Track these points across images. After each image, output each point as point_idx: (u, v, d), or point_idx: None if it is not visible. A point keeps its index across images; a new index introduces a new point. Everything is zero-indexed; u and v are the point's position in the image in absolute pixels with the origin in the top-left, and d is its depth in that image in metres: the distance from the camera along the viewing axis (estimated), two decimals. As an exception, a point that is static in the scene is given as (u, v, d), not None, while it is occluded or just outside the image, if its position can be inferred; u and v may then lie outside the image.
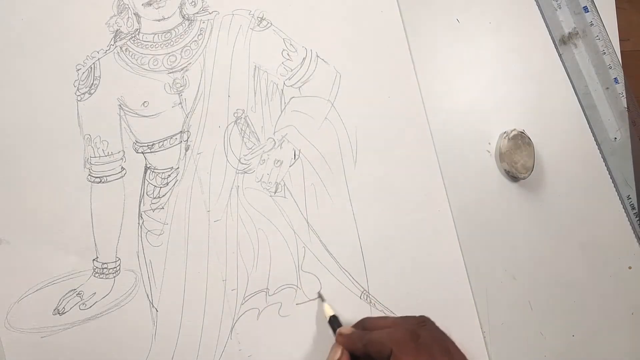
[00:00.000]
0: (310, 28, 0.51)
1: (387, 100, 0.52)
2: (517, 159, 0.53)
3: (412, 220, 0.51)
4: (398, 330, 0.41)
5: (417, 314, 0.42)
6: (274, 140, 0.50)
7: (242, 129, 0.49)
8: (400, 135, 0.52)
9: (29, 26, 0.47)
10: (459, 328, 0.51)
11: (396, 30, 0.53)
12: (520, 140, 0.53)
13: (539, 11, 0.57)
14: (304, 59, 0.51)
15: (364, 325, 0.45)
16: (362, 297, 0.50)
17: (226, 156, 0.49)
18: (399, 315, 0.49)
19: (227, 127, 0.49)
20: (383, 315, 0.50)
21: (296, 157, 0.50)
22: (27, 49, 0.47)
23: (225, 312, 0.48)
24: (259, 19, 0.50)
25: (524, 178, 0.54)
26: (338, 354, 0.43)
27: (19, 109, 0.46)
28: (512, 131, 0.54)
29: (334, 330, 0.45)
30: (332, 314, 0.47)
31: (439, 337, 0.41)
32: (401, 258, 0.51)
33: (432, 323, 0.43)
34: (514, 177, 0.54)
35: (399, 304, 0.50)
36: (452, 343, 0.41)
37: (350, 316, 0.49)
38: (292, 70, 0.50)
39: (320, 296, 0.49)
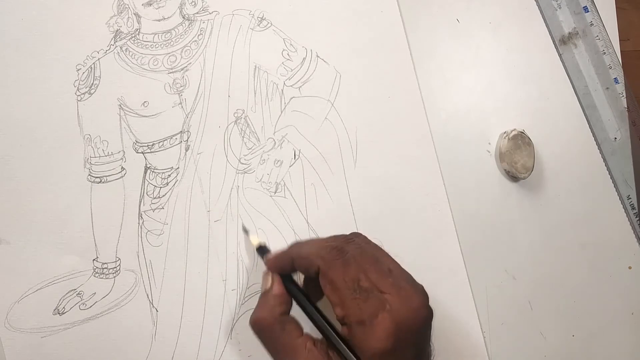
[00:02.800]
0: (310, 28, 0.51)
1: (387, 101, 0.52)
2: (517, 159, 0.53)
3: (412, 220, 0.51)
4: (324, 247, 0.40)
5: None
6: (274, 140, 0.50)
7: (242, 129, 0.49)
8: (400, 135, 0.52)
9: (29, 26, 0.47)
10: (459, 328, 0.51)
11: (396, 30, 0.53)
12: (520, 140, 0.53)
13: (539, 11, 0.57)
14: (304, 59, 0.51)
15: (288, 249, 0.44)
16: (362, 297, 0.50)
17: (226, 156, 0.49)
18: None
19: (227, 127, 0.49)
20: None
21: (296, 157, 0.50)
22: (27, 49, 0.47)
23: (225, 312, 0.48)
24: (259, 19, 0.50)
25: (524, 178, 0.54)
26: (268, 281, 0.42)
27: (18, 108, 0.46)
28: (512, 131, 0.54)
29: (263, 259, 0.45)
30: (258, 243, 0.46)
31: (368, 249, 0.40)
32: (401, 258, 0.50)
33: (363, 237, 0.42)
34: (514, 177, 0.54)
35: (399, 304, 0.50)
36: (384, 253, 0.41)
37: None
38: (292, 70, 0.50)
39: (244, 229, 0.48)
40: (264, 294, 0.42)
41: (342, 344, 0.37)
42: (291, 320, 0.40)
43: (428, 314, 0.38)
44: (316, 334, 0.40)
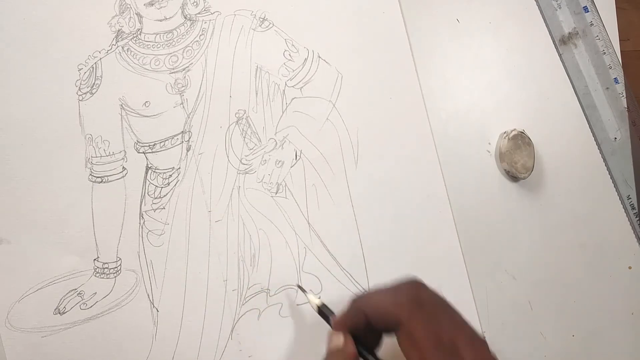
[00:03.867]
0: (312, 29, 0.51)
1: (388, 101, 0.52)
2: (517, 159, 0.53)
3: (412, 220, 0.51)
4: (400, 296, 0.38)
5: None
6: (275, 140, 0.50)
7: (243, 130, 0.49)
8: (401, 136, 0.52)
9: (31, 26, 0.47)
10: (460, 328, 0.51)
11: (398, 31, 0.53)
12: (520, 140, 0.54)
13: (539, 11, 0.57)
14: (306, 59, 0.51)
15: (356, 304, 0.40)
16: (362, 297, 0.50)
17: (227, 157, 0.49)
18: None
19: (228, 127, 0.49)
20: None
21: (297, 157, 0.50)
22: (29, 49, 0.47)
23: (225, 313, 0.48)
24: (261, 19, 0.50)
25: (524, 178, 0.54)
26: (341, 339, 0.39)
27: (20, 108, 0.46)
28: (512, 131, 0.54)
29: (326, 319, 0.43)
30: (318, 302, 0.44)
31: (439, 300, 0.39)
32: (402, 258, 0.51)
33: (425, 284, 0.40)
34: (514, 177, 0.54)
35: (400, 304, 0.50)
36: (449, 303, 0.39)
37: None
38: (293, 70, 0.50)
39: (300, 288, 0.48)
40: (334, 353, 0.39)
41: None
42: None
43: None
44: None
